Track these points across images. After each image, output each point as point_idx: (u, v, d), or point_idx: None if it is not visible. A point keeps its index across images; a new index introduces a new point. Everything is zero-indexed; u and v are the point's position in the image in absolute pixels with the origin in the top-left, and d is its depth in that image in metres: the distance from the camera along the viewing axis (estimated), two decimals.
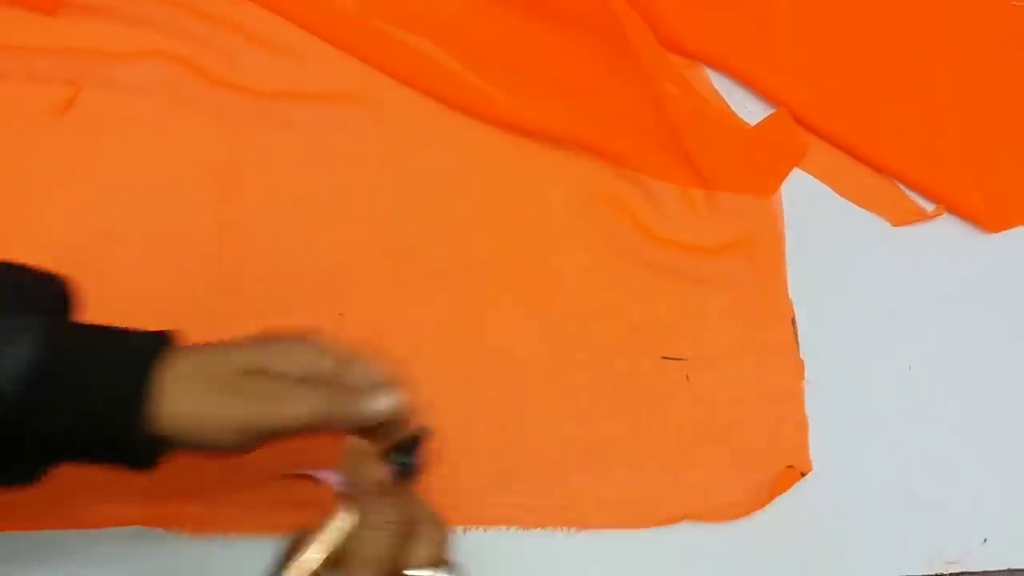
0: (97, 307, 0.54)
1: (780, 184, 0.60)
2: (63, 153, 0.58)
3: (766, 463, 0.54)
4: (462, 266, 0.58)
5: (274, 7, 0.62)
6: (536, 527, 0.52)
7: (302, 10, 0.62)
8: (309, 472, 0.42)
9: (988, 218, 0.61)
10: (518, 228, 0.59)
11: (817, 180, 0.61)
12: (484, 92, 0.61)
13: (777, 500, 0.53)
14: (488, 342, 0.56)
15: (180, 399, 0.38)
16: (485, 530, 0.52)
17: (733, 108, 0.62)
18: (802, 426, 0.55)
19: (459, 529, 0.52)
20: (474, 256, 0.58)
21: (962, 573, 0.53)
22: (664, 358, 0.56)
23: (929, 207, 0.61)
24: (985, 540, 0.54)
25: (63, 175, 0.57)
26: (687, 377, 0.56)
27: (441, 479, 0.52)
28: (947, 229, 0.61)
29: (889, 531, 0.54)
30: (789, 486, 0.53)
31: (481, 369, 0.55)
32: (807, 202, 0.60)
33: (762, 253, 0.58)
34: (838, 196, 0.61)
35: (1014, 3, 0.66)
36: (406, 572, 0.38)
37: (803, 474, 0.53)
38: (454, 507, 0.52)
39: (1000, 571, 0.53)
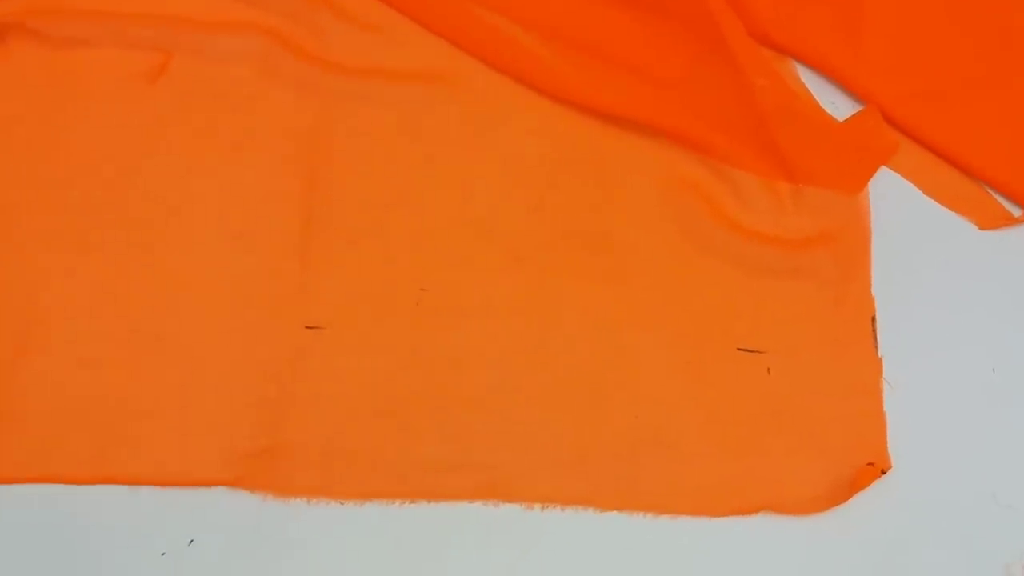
0: (182, 273, 0.56)
1: (867, 181, 0.59)
2: (153, 119, 0.59)
3: (846, 459, 0.54)
4: (542, 246, 0.58)
5: None
6: (613, 509, 0.52)
7: None
8: None
9: None
10: (599, 211, 0.59)
11: (904, 179, 0.60)
12: (570, 76, 0.61)
13: (855, 497, 0.52)
14: (565, 323, 0.56)
15: None
16: (563, 508, 0.52)
17: (821, 103, 0.61)
18: (880, 423, 0.55)
19: (536, 506, 0.52)
20: (554, 236, 0.58)
21: None
22: (740, 350, 0.56)
23: (1016, 211, 0.60)
24: None
25: (152, 140, 0.58)
26: (768, 370, 0.55)
27: (519, 455, 0.53)
28: None
29: (967, 535, 0.53)
30: (869, 483, 0.52)
31: (558, 348, 0.55)
32: (893, 201, 0.60)
33: (847, 249, 0.58)
34: (925, 196, 0.60)
35: None
36: None
37: (883, 472, 0.53)
38: (532, 484, 0.52)
39: None
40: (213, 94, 0.60)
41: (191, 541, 0.50)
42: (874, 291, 0.57)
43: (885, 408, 0.55)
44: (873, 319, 0.57)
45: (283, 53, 0.60)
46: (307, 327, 0.54)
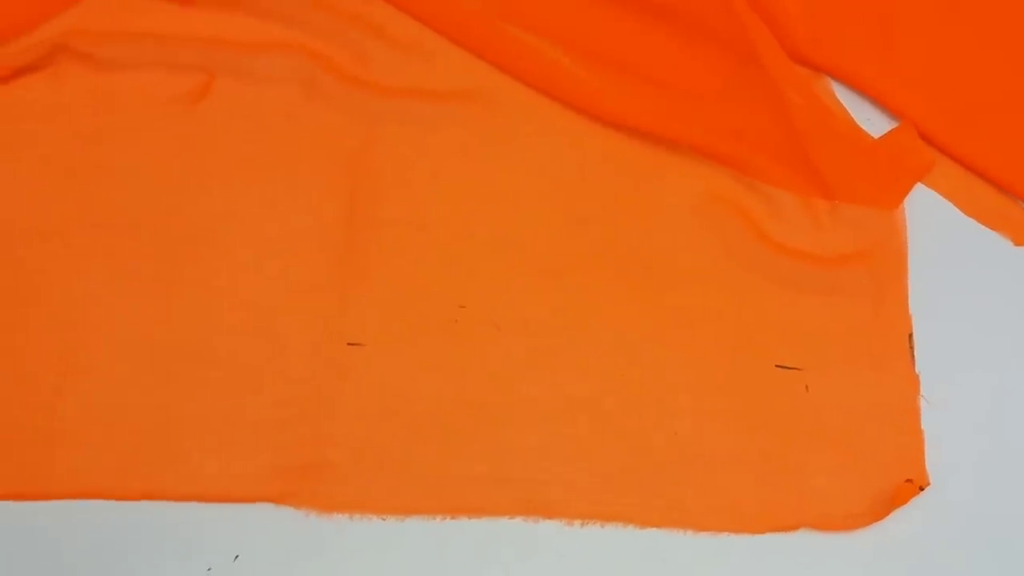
0: (225, 293, 0.56)
1: (903, 198, 0.60)
2: (196, 140, 0.60)
3: (883, 475, 0.54)
4: (578, 262, 0.58)
5: (402, 5, 0.63)
6: (652, 526, 0.52)
7: (429, 9, 0.63)
8: None
9: None
10: (634, 228, 0.59)
11: (940, 196, 0.61)
12: (606, 93, 0.61)
13: (893, 514, 0.52)
14: (602, 338, 0.57)
15: None
16: (603, 526, 0.52)
17: (856, 120, 0.62)
18: (918, 440, 0.55)
19: (576, 522, 0.52)
20: (590, 253, 0.59)
21: None
22: (778, 367, 0.56)
23: None
24: None
25: (196, 161, 0.59)
26: (807, 387, 0.56)
27: (558, 471, 0.53)
28: None
29: (1006, 552, 0.53)
30: (907, 500, 0.52)
31: (596, 364, 0.56)
32: (929, 218, 0.60)
33: (883, 266, 0.58)
34: (961, 213, 0.60)
35: None
36: None
37: (921, 488, 0.53)
38: (571, 501, 0.53)
39: None
40: (255, 115, 0.61)
41: (236, 557, 0.51)
42: (911, 308, 0.58)
43: (923, 425, 0.55)
44: (910, 336, 0.57)
45: (324, 74, 0.61)
46: (349, 344, 0.55)
